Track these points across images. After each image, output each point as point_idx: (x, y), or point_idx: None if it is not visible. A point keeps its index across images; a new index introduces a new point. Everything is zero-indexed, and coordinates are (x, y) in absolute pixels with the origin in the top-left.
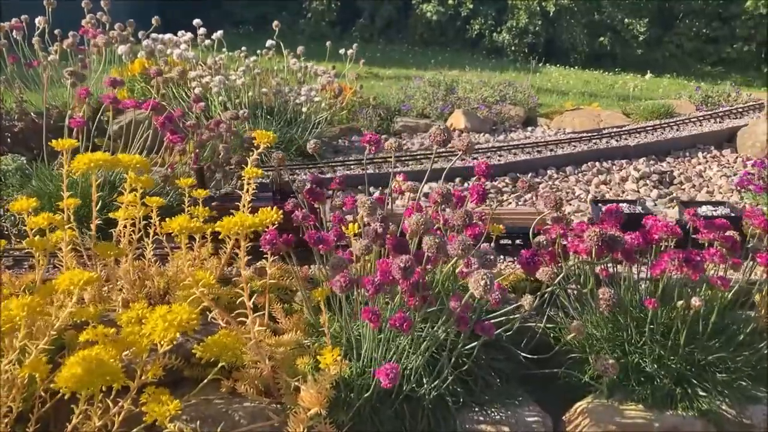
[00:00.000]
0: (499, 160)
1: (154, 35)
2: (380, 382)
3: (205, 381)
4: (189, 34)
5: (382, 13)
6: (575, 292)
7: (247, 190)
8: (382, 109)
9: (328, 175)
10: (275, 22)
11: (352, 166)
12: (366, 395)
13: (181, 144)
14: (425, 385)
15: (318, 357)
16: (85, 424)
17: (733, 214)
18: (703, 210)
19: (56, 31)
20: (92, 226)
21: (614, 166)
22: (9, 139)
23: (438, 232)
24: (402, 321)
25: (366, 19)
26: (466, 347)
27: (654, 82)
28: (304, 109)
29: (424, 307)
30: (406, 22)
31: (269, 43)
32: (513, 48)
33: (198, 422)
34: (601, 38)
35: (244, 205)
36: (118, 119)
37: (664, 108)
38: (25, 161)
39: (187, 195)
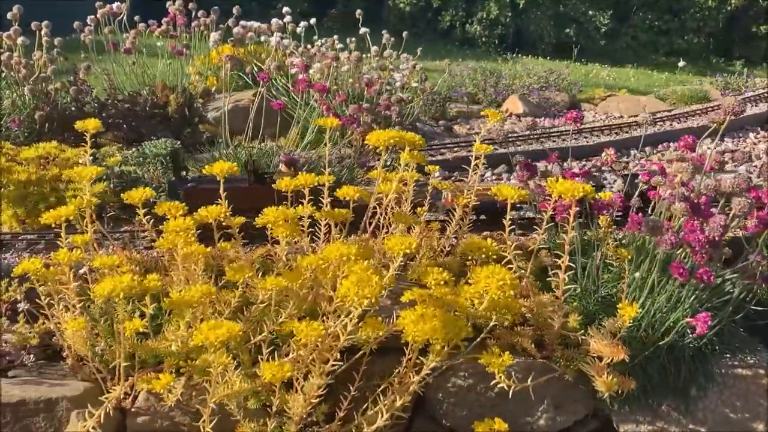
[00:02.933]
0: (586, 142)
1: (243, 22)
2: (695, 328)
3: (478, 339)
4: (280, 22)
5: (354, 5)
6: None
7: (477, 165)
8: (434, 95)
9: (438, 158)
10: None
11: (455, 149)
12: (659, 342)
13: (357, 126)
14: (688, 336)
15: (572, 316)
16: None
17: None
18: None
19: (135, 18)
20: (371, 199)
21: None
22: (124, 126)
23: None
24: (708, 275)
25: (339, 10)
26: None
27: (623, 72)
28: (401, 95)
29: (714, 263)
30: (378, 14)
31: (362, 30)
32: (483, 39)
33: (475, 377)
34: (567, 30)
35: (481, 176)
36: (216, 106)
37: (702, 93)
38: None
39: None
